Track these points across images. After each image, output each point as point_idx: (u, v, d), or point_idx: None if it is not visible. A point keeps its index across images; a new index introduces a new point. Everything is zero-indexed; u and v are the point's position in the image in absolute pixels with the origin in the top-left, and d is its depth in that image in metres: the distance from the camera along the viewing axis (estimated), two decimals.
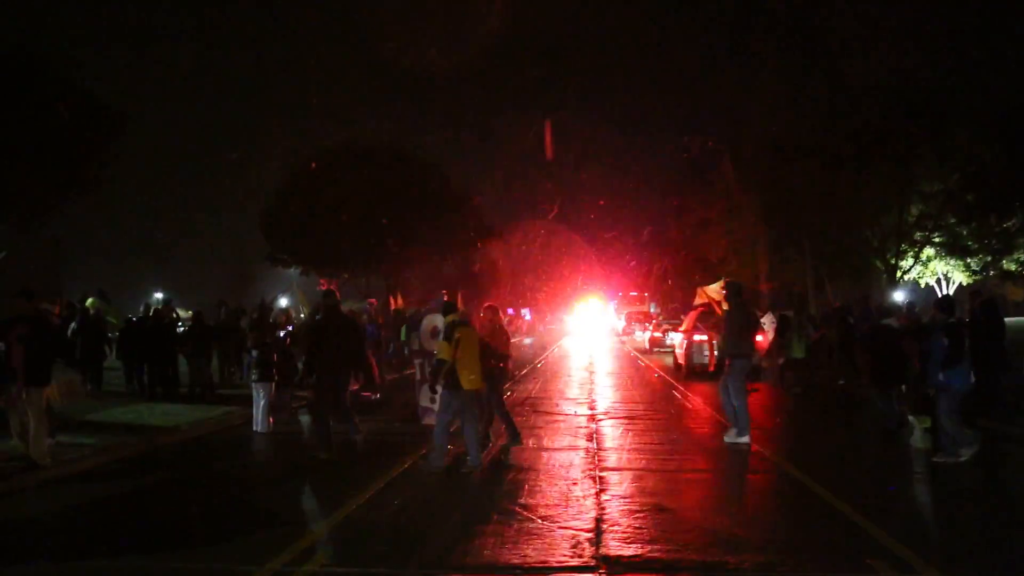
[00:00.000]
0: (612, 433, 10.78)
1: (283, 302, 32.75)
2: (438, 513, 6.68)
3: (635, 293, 55.98)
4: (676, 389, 16.64)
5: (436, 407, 9.31)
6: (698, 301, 18.91)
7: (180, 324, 16.77)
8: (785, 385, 16.13)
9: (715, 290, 17.15)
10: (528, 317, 60.27)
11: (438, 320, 10.60)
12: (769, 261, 28.46)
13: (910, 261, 24.87)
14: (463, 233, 34.38)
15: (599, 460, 8.77)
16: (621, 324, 50.88)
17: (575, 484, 7.56)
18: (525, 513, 6.50)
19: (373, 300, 23.01)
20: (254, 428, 11.10)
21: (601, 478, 7.81)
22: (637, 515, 6.45)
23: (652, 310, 49.64)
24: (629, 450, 9.55)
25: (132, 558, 5.60)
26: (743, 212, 28.62)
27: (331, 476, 8.27)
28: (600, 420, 11.98)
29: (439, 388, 8.48)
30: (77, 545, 5.95)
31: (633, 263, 53.81)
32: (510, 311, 51.75)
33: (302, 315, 21.84)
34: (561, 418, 12.33)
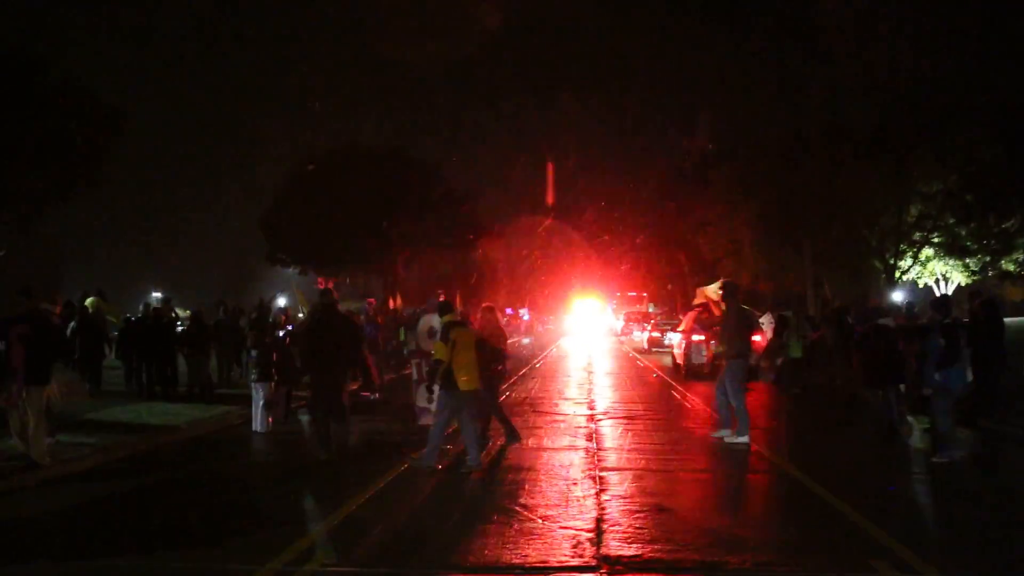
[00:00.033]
0: (612, 433, 10.78)
1: (281, 302, 32.72)
2: (439, 513, 6.68)
3: (633, 293, 56.01)
4: (675, 389, 16.65)
5: (433, 407, 9.31)
6: (697, 301, 18.92)
7: (179, 323, 16.75)
8: (783, 385, 16.13)
9: (713, 290, 17.16)
10: (526, 317, 60.28)
11: (434, 320, 10.60)
12: (768, 261, 28.46)
13: (909, 261, 24.86)
14: (462, 233, 34.41)
15: (599, 460, 8.77)
16: (619, 324, 50.90)
17: (575, 484, 7.56)
18: (525, 513, 6.50)
19: (372, 300, 23.00)
20: (253, 428, 11.10)
21: (601, 478, 7.81)
22: (638, 515, 6.45)
23: (650, 310, 49.67)
24: (629, 450, 9.55)
25: (132, 558, 5.59)
26: (742, 212, 28.61)
27: (330, 476, 8.26)
28: (599, 420, 11.99)
29: (436, 388, 8.47)
30: (77, 545, 5.94)
31: (632, 263, 53.82)
32: (508, 311, 51.76)
33: (300, 315, 21.83)
34: (560, 418, 12.33)
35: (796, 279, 27.72)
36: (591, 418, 12.20)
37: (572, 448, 9.57)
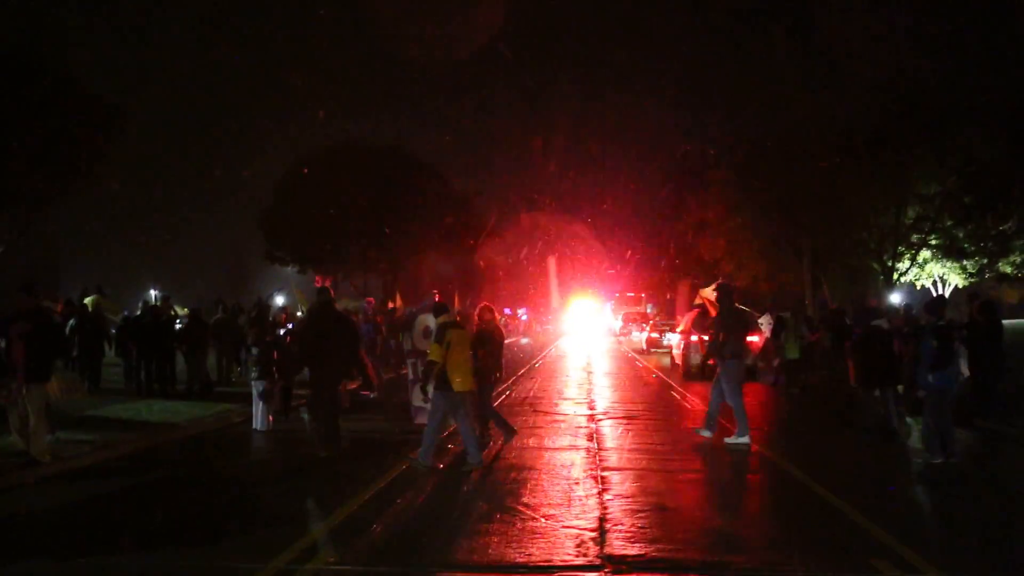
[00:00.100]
0: (612, 433, 10.79)
1: (279, 300, 32.70)
2: (441, 512, 6.68)
3: (632, 294, 56.01)
4: (674, 389, 16.66)
5: (429, 407, 9.32)
6: (697, 302, 18.97)
7: (178, 321, 16.73)
8: (781, 386, 16.17)
9: (710, 292, 17.21)
10: (525, 317, 60.29)
11: (430, 320, 10.61)
12: (767, 263, 28.49)
13: (907, 263, 24.91)
14: (460, 232, 34.41)
15: (600, 460, 8.77)
16: (618, 324, 50.92)
17: (577, 484, 7.57)
18: (528, 512, 6.51)
19: (371, 299, 22.98)
20: (254, 426, 11.09)
21: (603, 478, 7.81)
22: (640, 515, 6.45)
23: (649, 311, 49.69)
24: (630, 450, 9.56)
25: (132, 556, 5.59)
26: (741, 213, 28.64)
27: (332, 474, 8.26)
28: (600, 420, 11.99)
29: (430, 389, 8.48)
30: (77, 542, 5.92)
31: (630, 263, 53.84)
32: (507, 311, 51.76)
33: (299, 313, 21.82)
34: (561, 418, 12.33)
35: (795, 280, 27.75)
36: (591, 418, 12.20)
37: (573, 448, 9.57)
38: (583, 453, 9.19)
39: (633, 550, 5.53)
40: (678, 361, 20.47)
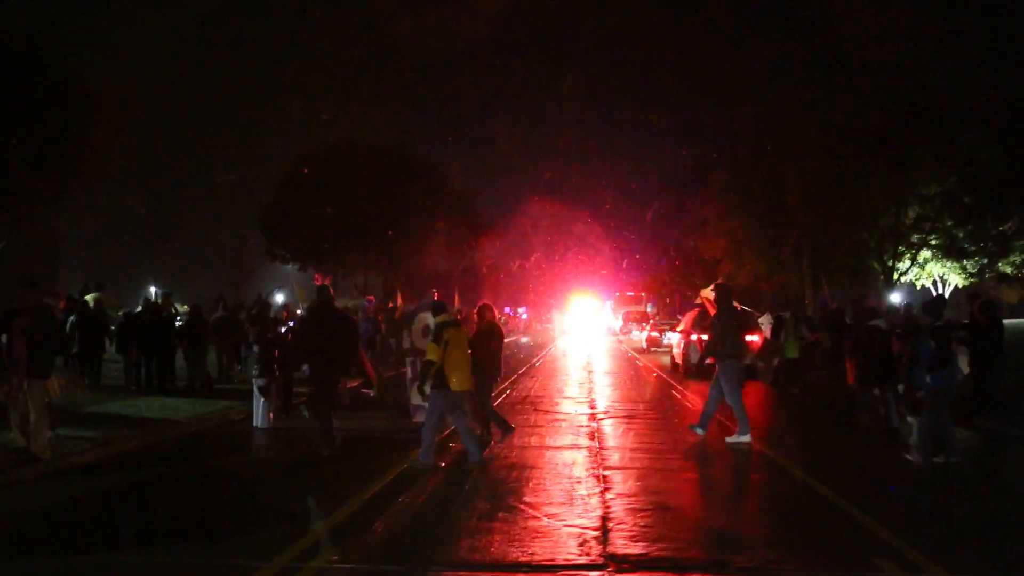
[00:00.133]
0: (613, 432, 10.78)
1: (279, 297, 32.69)
2: (442, 510, 6.66)
3: (632, 293, 56.03)
4: (675, 389, 16.67)
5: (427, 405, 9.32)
6: (697, 302, 18.99)
7: (178, 318, 16.72)
8: (781, 385, 16.16)
9: (710, 291, 17.21)
10: (525, 316, 60.30)
11: (429, 319, 10.60)
12: (767, 262, 28.48)
13: (907, 263, 24.92)
14: (461, 231, 34.39)
15: (602, 459, 8.77)
16: (618, 324, 50.94)
17: (579, 482, 7.56)
18: (530, 511, 6.50)
19: (371, 297, 22.95)
20: (254, 423, 11.08)
21: (604, 476, 7.80)
22: (642, 513, 6.45)
23: (649, 310, 49.71)
24: (631, 449, 9.56)
25: (133, 553, 5.58)
26: (741, 212, 28.63)
27: (333, 473, 8.25)
28: (601, 419, 11.98)
29: (427, 389, 8.47)
30: (77, 539, 5.91)
31: (630, 263, 53.87)
32: (507, 310, 51.76)
33: (298, 311, 21.82)
34: (562, 417, 12.33)
35: (795, 280, 27.76)
36: (592, 417, 12.20)
37: (574, 447, 9.57)
38: (584, 452, 9.19)
39: (636, 549, 5.52)
40: (678, 360, 20.48)
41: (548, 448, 9.52)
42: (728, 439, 9.76)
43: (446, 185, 33.61)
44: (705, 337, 18.44)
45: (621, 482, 7.62)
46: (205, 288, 32.78)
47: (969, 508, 7.08)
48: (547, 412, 12.87)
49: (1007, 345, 11.61)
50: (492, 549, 5.51)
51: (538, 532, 5.89)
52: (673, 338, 23.31)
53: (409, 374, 12.32)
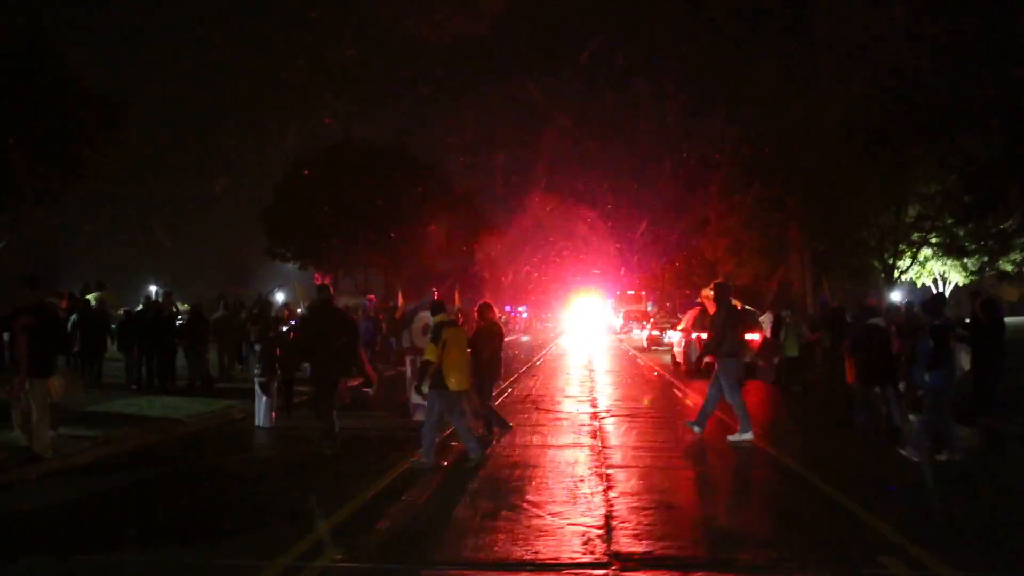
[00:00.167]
0: (615, 430, 10.78)
1: (279, 296, 32.61)
2: (446, 509, 6.66)
3: (632, 292, 56.04)
4: (676, 387, 16.67)
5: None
6: (698, 300, 18.98)
7: (179, 317, 16.72)
8: (782, 384, 16.15)
9: (710, 290, 17.20)
10: (525, 315, 60.31)
11: (429, 317, 10.61)
12: (767, 261, 28.49)
13: (907, 261, 24.94)
14: (462, 230, 34.39)
15: (604, 457, 8.76)
16: (619, 322, 50.94)
17: (582, 481, 7.56)
18: (534, 509, 6.50)
19: (371, 296, 22.92)
20: (256, 423, 11.07)
21: (607, 475, 7.80)
22: (646, 512, 6.45)
23: (649, 309, 49.72)
24: (633, 447, 9.56)
25: (135, 553, 5.57)
26: (741, 212, 28.64)
27: (335, 472, 8.25)
28: (602, 418, 11.98)
29: (424, 389, 8.47)
30: (79, 539, 5.90)
31: (631, 262, 53.86)
32: (507, 308, 51.76)
33: (299, 310, 21.81)
34: (563, 415, 12.33)
35: (796, 279, 27.76)
36: (594, 416, 12.20)
37: (577, 445, 9.56)
38: (587, 451, 9.19)
39: (640, 547, 5.52)
40: (679, 359, 20.49)
41: (550, 447, 9.51)
42: (730, 437, 9.76)
43: (446, 184, 33.60)
44: (705, 336, 18.51)
45: (624, 480, 7.62)
46: (205, 287, 32.74)
47: (972, 506, 7.08)
48: (549, 411, 12.86)
49: (1008, 343, 11.62)
50: (496, 548, 5.50)
51: (542, 531, 5.89)
52: (674, 337, 23.32)
53: (408, 373, 12.32)
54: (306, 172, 29.67)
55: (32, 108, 13.92)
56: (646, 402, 14.38)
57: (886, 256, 24.79)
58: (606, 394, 15.48)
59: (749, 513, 6.93)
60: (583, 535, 5.78)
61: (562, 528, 5.97)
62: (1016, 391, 11.92)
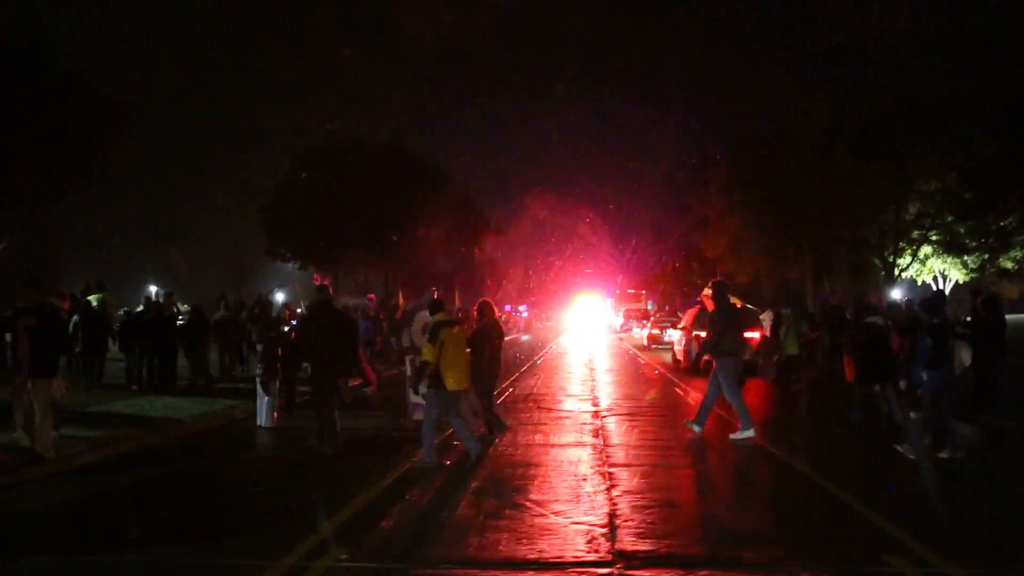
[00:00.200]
0: (617, 429, 10.79)
1: (279, 296, 32.59)
2: (449, 508, 6.66)
3: (632, 291, 56.05)
4: (677, 386, 16.67)
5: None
6: (699, 299, 18.97)
7: (180, 317, 16.72)
8: (782, 382, 16.14)
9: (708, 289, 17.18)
10: (525, 314, 60.30)
11: (429, 317, 10.62)
12: (768, 260, 28.50)
13: (908, 259, 24.96)
14: (462, 229, 34.39)
15: (606, 456, 8.77)
16: (619, 321, 50.94)
17: (584, 480, 7.56)
18: (537, 508, 6.50)
19: (372, 296, 22.94)
20: (258, 423, 11.08)
21: (610, 474, 7.80)
22: (649, 511, 6.45)
23: (649, 307, 49.72)
24: (635, 446, 9.56)
25: (139, 553, 5.58)
26: (741, 210, 28.64)
27: (338, 472, 8.25)
28: (604, 416, 11.99)
29: (422, 389, 8.47)
30: (84, 539, 5.90)
31: (631, 260, 53.89)
32: (507, 308, 51.76)
33: (299, 310, 21.83)
34: (565, 414, 12.33)
35: (797, 277, 27.79)
36: (595, 414, 12.20)
37: (579, 444, 9.57)
38: (589, 449, 9.19)
39: (644, 546, 5.52)
40: (679, 357, 20.50)
41: (552, 446, 9.52)
42: (731, 436, 9.77)
43: (446, 184, 33.59)
44: (703, 334, 18.51)
45: (627, 479, 7.62)
46: (206, 287, 32.73)
47: (974, 504, 7.09)
48: (550, 410, 12.87)
49: (1009, 341, 11.62)
50: (501, 547, 5.51)
51: (546, 529, 5.89)
52: (674, 335, 23.33)
53: (408, 372, 12.32)
54: (304, 175, 29.66)
55: (32, 108, 13.91)
56: (652, 395, 14.39)
57: (886, 254, 24.81)
58: (607, 393, 15.49)
59: (752, 511, 6.94)
60: (587, 534, 5.78)
61: (566, 527, 5.97)
62: (1017, 389, 11.92)
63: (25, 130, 13.91)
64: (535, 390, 15.94)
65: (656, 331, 31.45)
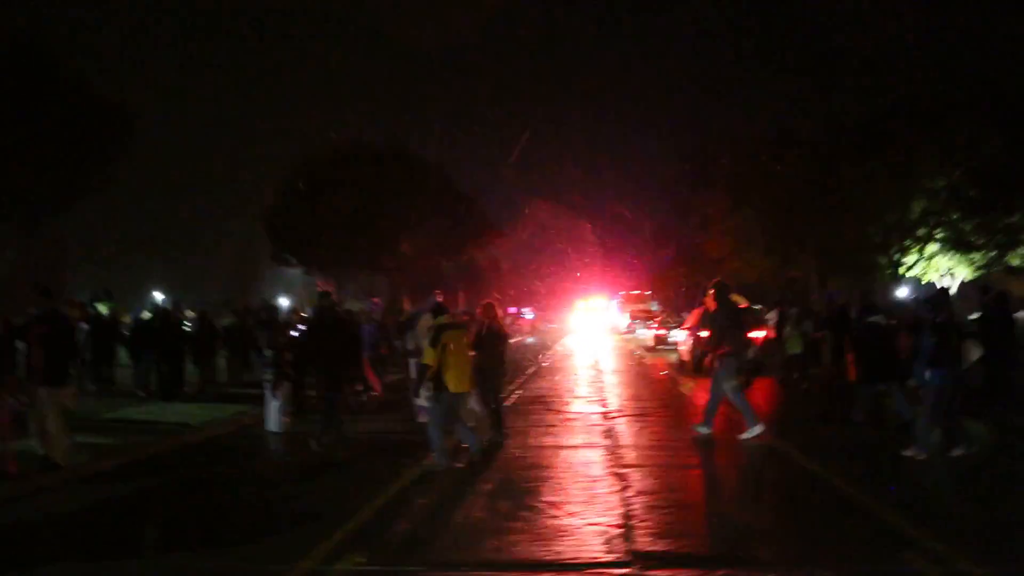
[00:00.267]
0: (627, 430, 10.80)
1: (284, 302, 32.66)
2: (463, 510, 6.67)
3: (637, 291, 56.00)
4: (684, 386, 16.65)
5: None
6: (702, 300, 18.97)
7: (187, 324, 16.77)
8: (786, 380, 16.11)
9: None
10: (530, 316, 60.30)
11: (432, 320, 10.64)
12: (772, 259, 28.47)
13: (914, 257, 24.86)
14: (466, 232, 34.43)
15: (618, 457, 8.78)
16: (624, 322, 50.88)
17: (597, 481, 7.57)
18: (551, 510, 6.51)
19: (376, 299, 22.93)
20: (268, 428, 11.09)
21: (622, 475, 7.81)
22: (664, 511, 6.47)
23: (654, 308, 49.65)
24: (646, 447, 9.58)
25: (158, 558, 5.62)
26: (745, 209, 28.62)
27: (350, 475, 8.28)
28: (613, 417, 11.99)
29: (423, 392, 8.49)
30: (101, 546, 5.92)
31: (635, 261, 53.92)
32: (512, 310, 51.75)
33: (303, 314, 21.84)
34: (574, 416, 12.34)
35: (801, 276, 27.75)
36: (605, 416, 12.21)
37: (590, 446, 9.57)
38: (600, 451, 9.20)
39: (661, 546, 5.53)
40: (685, 357, 20.49)
41: (564, 447, 9.53)
42: (741, 436, 9.74)
43: (450, 187, 33.64)
44: (705, 334, 18.50)
45: (639, 480, 7.63)
46: (212, 293, 32.83)
47: (988, 501, 7.08)
48: (559, 412, 12.88)
49: (1019, 337, 11.61)
50: (517, 548, 5.52)
51: (562, 531, 5.91)
52: (680, 336, 23.31)
53: (412, 374, 12.34)
54: (307, 180, 29.71)
55: (37, 116, 13.95)
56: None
57: (892, 252, 24.74)
58: (615, 394, 15.49)
59: (766, 510, 6.94)
60: (603, 535, 5.79)
61: (581, 528, 5.98)
62: None
63: (31, 138, 13.96)
64: (543, 392, 15.94)
65: (662, 332, 31.40)
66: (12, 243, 17.72)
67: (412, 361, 12.41)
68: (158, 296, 35.67)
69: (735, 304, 10.49)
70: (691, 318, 21.67)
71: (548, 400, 14.55)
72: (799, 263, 27.63)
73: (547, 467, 8.34)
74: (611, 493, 7.05)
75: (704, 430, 9.98)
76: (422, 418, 10.50)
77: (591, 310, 58.71)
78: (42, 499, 7.44)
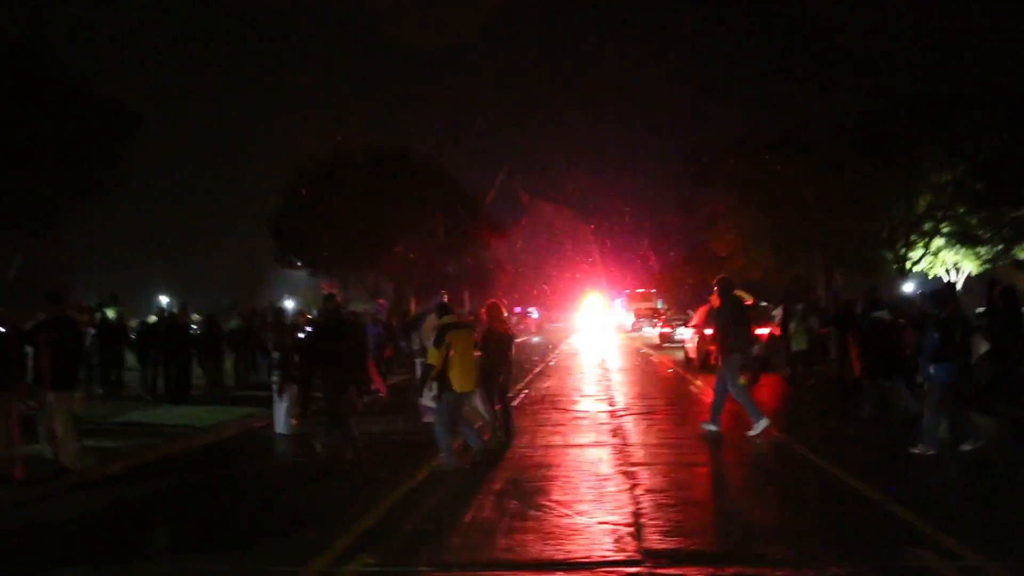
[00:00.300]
0: (635, 428, 10.78)
1: (289, 304, 32.74)
2: (473, 511, 6.66)
3: (643, 289, 55.95)
4: (691, 384, 16.63)
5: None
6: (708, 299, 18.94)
7: (194, 327, 16.82)
8: (793, 377, 16.07)
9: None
10: (536, 315, 60.29)
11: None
12: (778, 255, 28.40)
13: (920, 252, 24.79)
14: (469, 232, 34.43)
15: (626, 455, 8.77)
16: (629, 320, 50.86)
17: (606, 480, 7.56)
18: (561, 509, 6.51)
19: (382, 300, 22.94)
20: (276, 430, 11.12)
21: (631, 473, 7.80)
22: (673, 509, 6.45)
23: (659, 306, 49.61)
24: (654, 445, 9.56)
25: (167, 561, 5.63)
26: (750, 206, 28.56)
27: (359, 476, 8.28)
28: (621, 416, 11.98)
29: (426, 392, 8.49)
30: (112, 549, 5.94)
31: (640, 259, 53.85)
32: (517, 309, 51.74)
33: (309, 316, 21.87)
34: (581, 414, 12.33)
35: (807, 272, 27.65)
36: (612, 414, 12.20)
37: (598, 444, 9.57)
38: (608, 449, 9.19)
39: (671, 544, 5.52)
40: (692, 355, 20.47)
41: (572, 446, 9.52)
42: (749, 433, 9.73)
43: (454, 187, 33.65)
44: (709, 332, 18.46)
45: (648, 478, 7.62)
46: (217, 295, 32.92)
47: (998, 495, 7.05)
48: (567, 410, 12.87)
49: None
50: (527, 548, 5.52)
51: (571, 530, 5.90)
52: (686, 333, 23.29)
53: (418, 374, 12.35)
54: (312, 182, 29.75)
55: (41, 119, 13.97)
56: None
57: (898, 247, 24.67)
58: (622, 392, 15.48)
59: (776, 507, 6.91)
60: (613, 533, 5.79)
61: (591, 527, 5.98)
62: None
63: (35, 142, 13.98)
64: (550, 391, 15.93)
65: (667, 329, 31.40)
66: (18, 248, 17.76)
67: (418, 361, 12.42)
68: (163, 299, 35.77)
69: (740, 300, 10.48)
70: (697, 316, 21.71)
71: (555, 399, 14.55)
72: (804, 260, 27.54)
73: (555, 466, 8.33)
74: (620, 491, 7.05)
75: (712, 427, 9.98)
76: (428, 418, 10.52)
77: (597, 309, 58.65)
78: (51, 503, 7.47)
